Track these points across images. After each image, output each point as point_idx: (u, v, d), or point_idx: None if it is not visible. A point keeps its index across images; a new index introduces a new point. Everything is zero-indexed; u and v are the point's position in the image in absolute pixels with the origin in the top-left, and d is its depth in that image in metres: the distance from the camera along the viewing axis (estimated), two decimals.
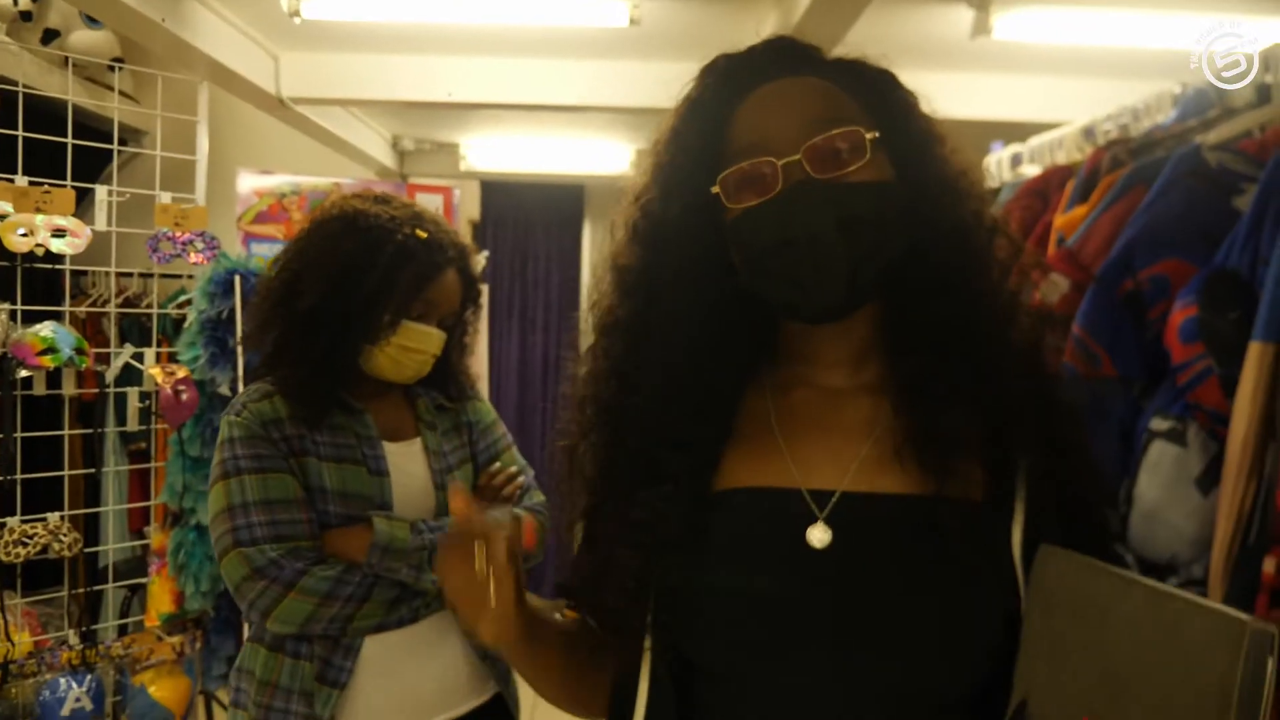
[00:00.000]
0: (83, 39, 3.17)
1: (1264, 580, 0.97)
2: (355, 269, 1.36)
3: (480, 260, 1.61)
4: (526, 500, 1.55)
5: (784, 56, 0.81)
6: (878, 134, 0.75)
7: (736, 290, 0.79)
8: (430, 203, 3.02)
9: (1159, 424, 1.17)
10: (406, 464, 1.44)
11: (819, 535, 0.73)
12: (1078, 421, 0.81)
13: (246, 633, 1.46)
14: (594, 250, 4.41)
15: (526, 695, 1.52)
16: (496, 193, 4.39)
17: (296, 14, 2.07)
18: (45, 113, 2.41)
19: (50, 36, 3.07)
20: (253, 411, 1.36)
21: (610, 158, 3.76)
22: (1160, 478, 1.15)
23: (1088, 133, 1.50)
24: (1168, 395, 1.19)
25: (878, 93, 0.79)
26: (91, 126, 2.60)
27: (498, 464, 1.56)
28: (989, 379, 0.75)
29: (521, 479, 1.56)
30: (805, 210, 0.72)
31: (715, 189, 0.76)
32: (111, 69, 3.11)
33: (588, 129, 3.47)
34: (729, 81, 0.80)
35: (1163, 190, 1.27)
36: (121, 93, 3.30)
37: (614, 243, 0.85)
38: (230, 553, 1.30)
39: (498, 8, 2.13)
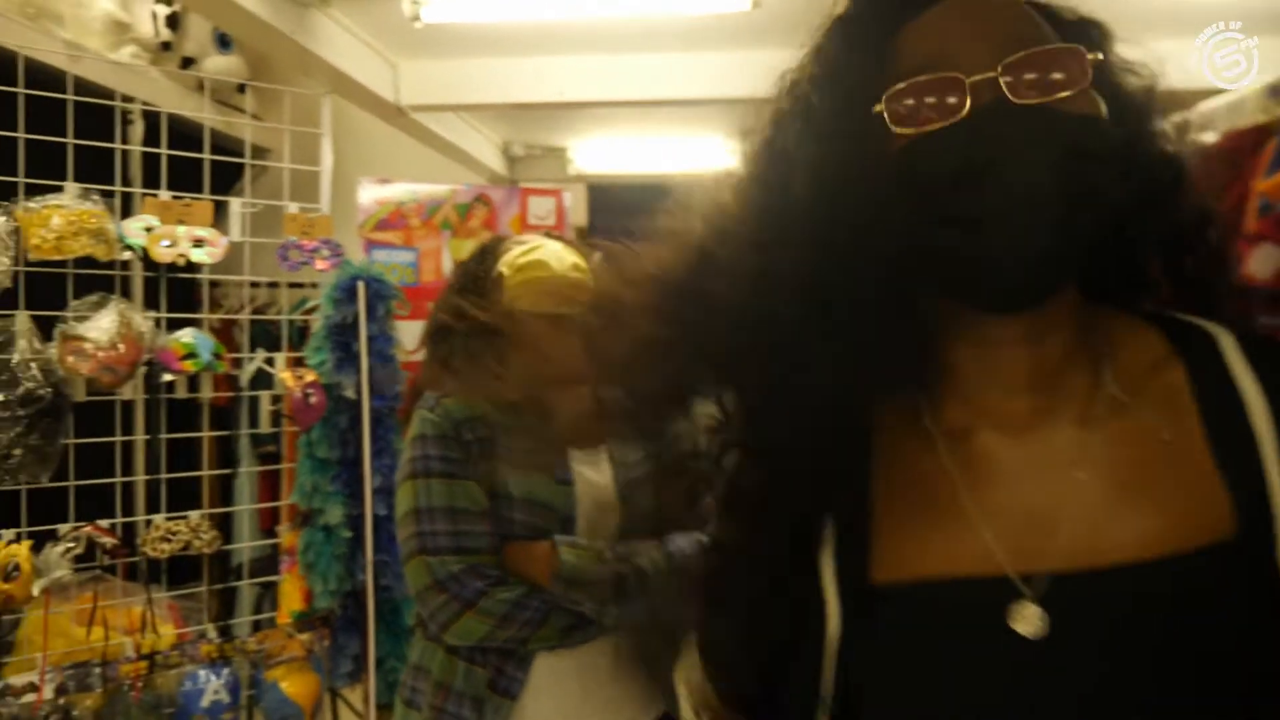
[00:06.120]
0: (215, 64, 3.34)
1: None
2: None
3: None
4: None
5: None
6: (1100, 55, 0.60)
7: (891, 271, 0.60)
8: (542, 206, 3.04)
9: None
10: (591, 473, 1.42)
11: (1030, 620, 0.57)
12: None
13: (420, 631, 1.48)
14: None
15: None
16: (603, 196, 4.40)
17: (417, 18, 2.11)
18: (183, 134, 2.54)
19: (187, 63, 3.25)
20: (446, 408, 1.38)
21: (720, 155, 3.70)
22: None
23: (1273, 91, 1.36)
24: None
25: (1083, 29, 0.64)
26: (223, 146, 2.73)
27: None
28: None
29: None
30: (1004, 134, 0.56)
31: (879, 107, 0.60)
32: (241, 90, 3.26)
33: (697, 125, 3.43)
34: None
35: None
36: (255, 117, 3.46)
37: (721, 204, 0.68)
38: (415, 558, 1.33)
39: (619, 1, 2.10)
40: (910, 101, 0.58)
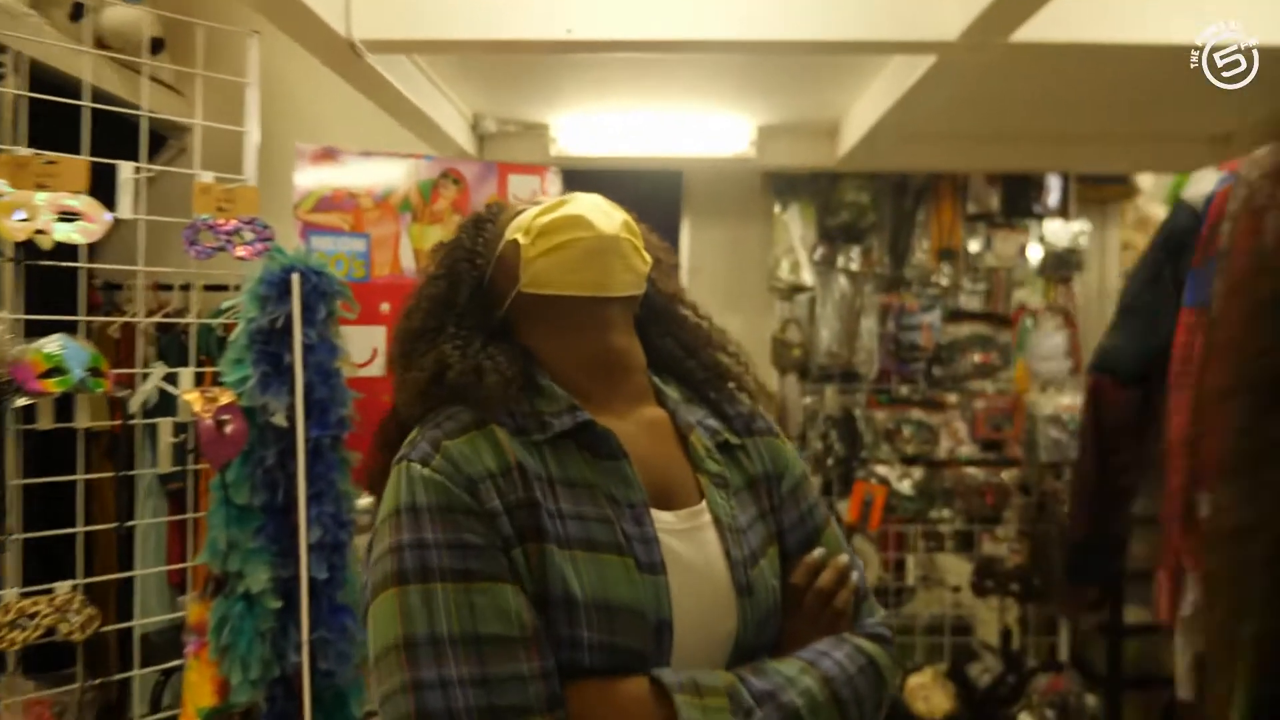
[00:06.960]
0: (116, 16, 2.73)
1: None
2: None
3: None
4: (865, 617, 0.95)
5: None
6: None
7: None
8: (525, 187, 2.49)
9: None
10: (690, 549, 0.88)
11: None
12: None
13: None
14: (694, 248, 3.87)
15: None
16: (580, 185, 3.88)
17: None
18: (74, 96, 1.93)
19: (79, 12, 2.63)
20: (452, 456, 0.83)
21: (720, 137, 3.23)
22: None
23: None
24: None
25: None
26: (130, 122, 2.13)
27: (820, 550, 0.96)
28: None
29: (854, 577, 0.96)
30: None
31: None
32: (153, 52, 2.68)
33: (700, 99, 2.92)
34: None
35: None
36: (160, 81, 2.86)
37: None
38: None
39: None
40: None
